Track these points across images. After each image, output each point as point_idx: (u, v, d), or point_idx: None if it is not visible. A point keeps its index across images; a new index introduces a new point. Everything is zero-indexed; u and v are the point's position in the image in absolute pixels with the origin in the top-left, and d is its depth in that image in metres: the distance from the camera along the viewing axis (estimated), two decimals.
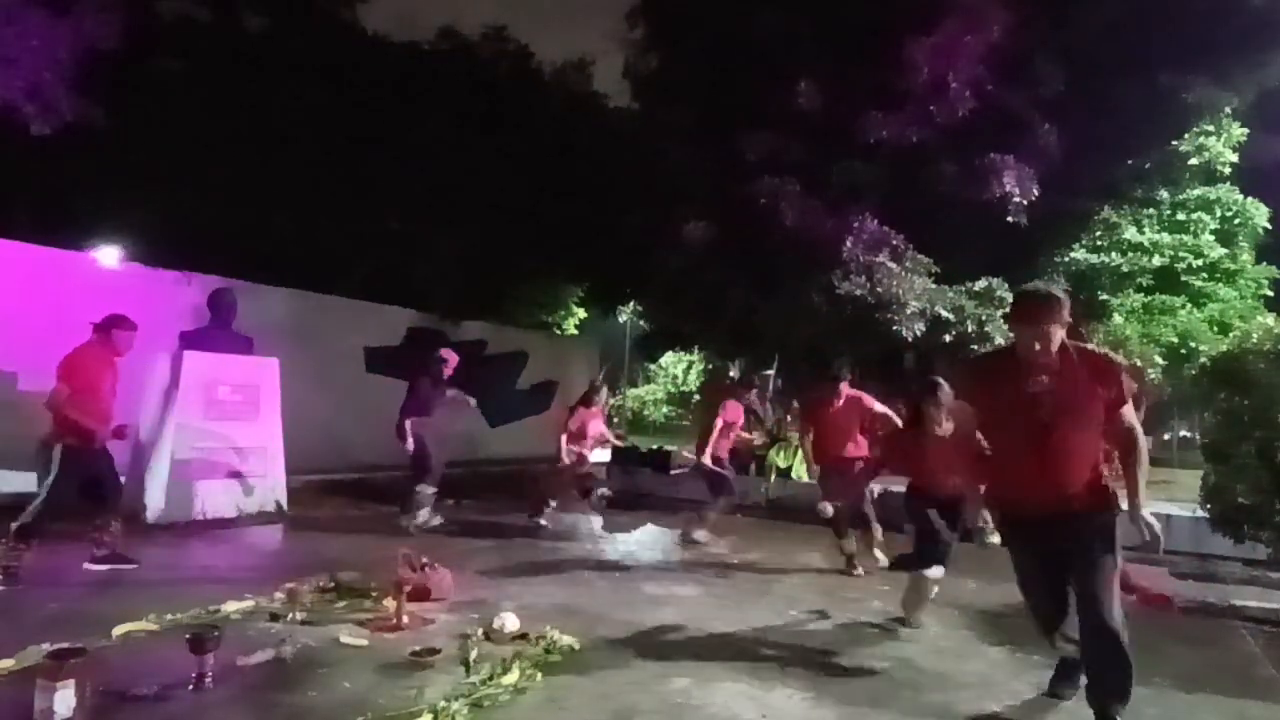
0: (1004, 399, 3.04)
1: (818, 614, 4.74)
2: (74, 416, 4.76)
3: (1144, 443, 3.00)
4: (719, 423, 7.10)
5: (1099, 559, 2.91)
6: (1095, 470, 3.01)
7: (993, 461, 3.20)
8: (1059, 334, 2.94)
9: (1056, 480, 2.96)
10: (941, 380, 4.57)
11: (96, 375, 4.92)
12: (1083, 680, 3.13)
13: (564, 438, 7.43)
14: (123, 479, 6.92)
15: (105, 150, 10.05)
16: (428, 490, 7.10)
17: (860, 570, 5.86)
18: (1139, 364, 12.30)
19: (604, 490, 7.58)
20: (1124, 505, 2.99)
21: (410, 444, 7.02)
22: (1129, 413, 2.99)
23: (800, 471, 10.37)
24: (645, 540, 7.19)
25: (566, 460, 7.41)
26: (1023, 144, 9.59)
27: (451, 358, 7.41)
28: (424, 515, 7.07)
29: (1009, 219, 9.51)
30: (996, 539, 3.35)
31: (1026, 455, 3.00)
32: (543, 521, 7.40)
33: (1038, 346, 2.91)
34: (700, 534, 7.01)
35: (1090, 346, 3.15)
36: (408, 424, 7.02)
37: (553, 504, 7.60)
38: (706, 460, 7.07)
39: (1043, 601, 3.19)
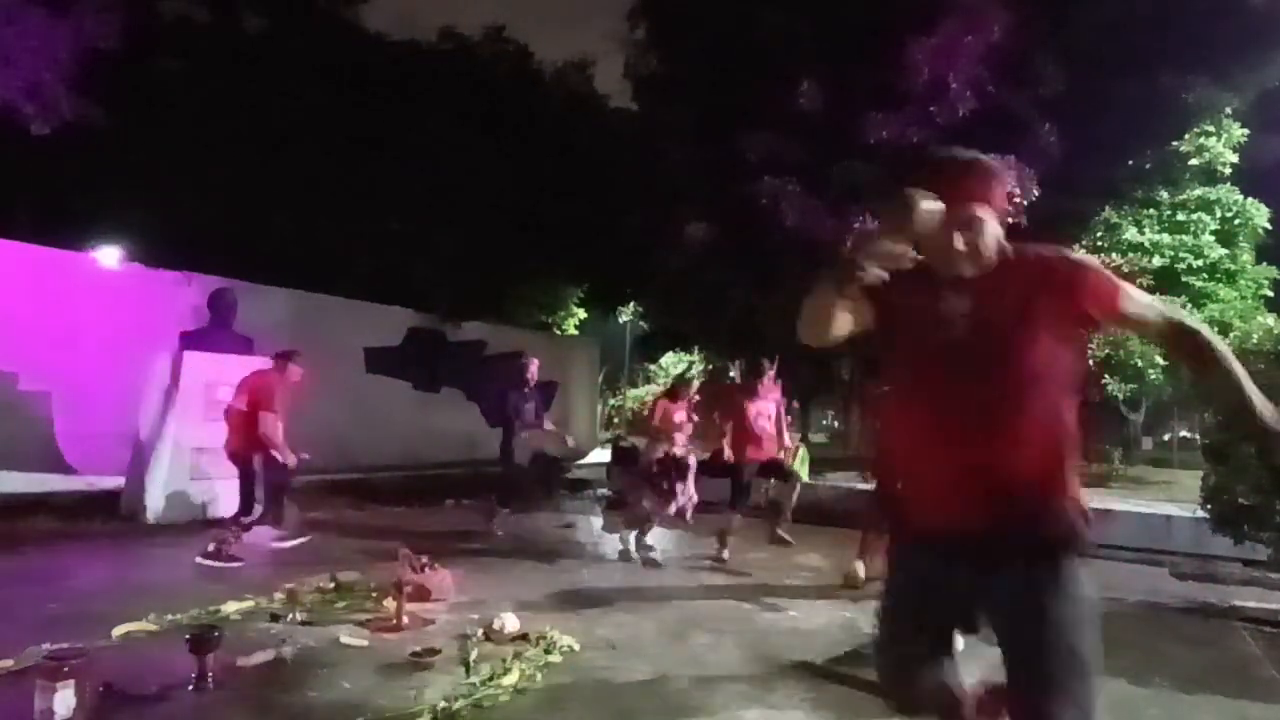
0: (904, 332, 1.78)
1: (818, 614, 4.74)
2: (273, 437, 5.38)
3: (1209, 331, 1.70)
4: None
5: (1053, 615, 1.55)
6: (1050, 459, 1.61)
7: (889, 439, 1.93)
8: (991, 227, 1.69)
9: (971, 463, 1.61)
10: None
11: (281, 400, 5.48)
12: None
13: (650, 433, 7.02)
14: (121, 479, 6.98)
15: (105, 150, 10.06)
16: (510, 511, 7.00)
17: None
18: (1139, 363, 12.33)
19: (603, 491, 7.56)
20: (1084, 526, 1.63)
21: (550, 425, 7.03)
22: (1141, 301, 1.67)
23: (801, 472, 10.34)
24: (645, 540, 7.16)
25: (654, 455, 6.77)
26: (1023, 144, 9.59)
27: (532, 362, 7.25)
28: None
29: (1009, 219, 9.50)
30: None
31: (924, 418, 1.72)
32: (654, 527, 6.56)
33: (960, 244, 1.64)
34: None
35: (1040, 248, 1.78)
36: (522, 432, 6.86)
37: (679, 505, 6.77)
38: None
39: (899, 658, 1.85)
